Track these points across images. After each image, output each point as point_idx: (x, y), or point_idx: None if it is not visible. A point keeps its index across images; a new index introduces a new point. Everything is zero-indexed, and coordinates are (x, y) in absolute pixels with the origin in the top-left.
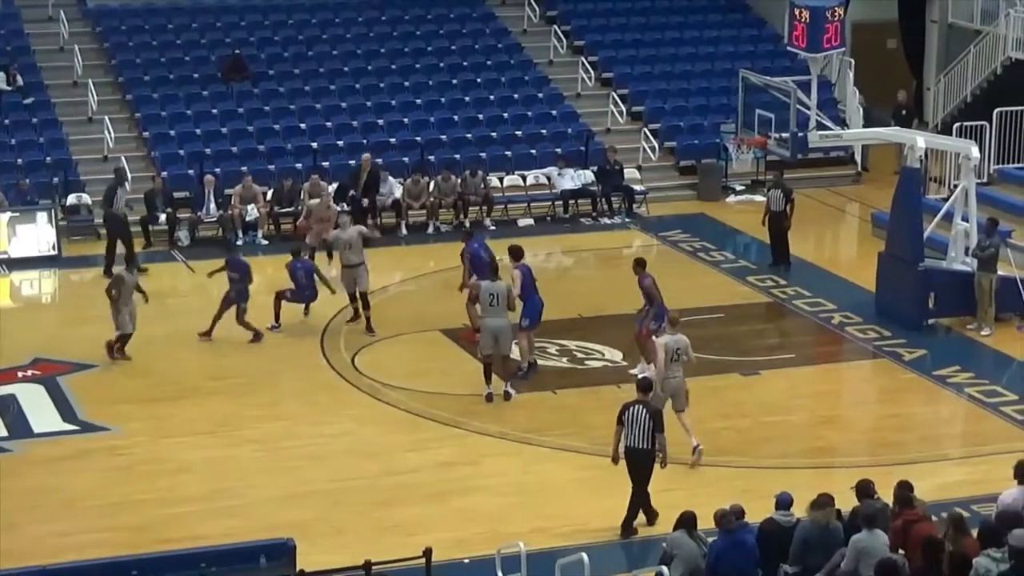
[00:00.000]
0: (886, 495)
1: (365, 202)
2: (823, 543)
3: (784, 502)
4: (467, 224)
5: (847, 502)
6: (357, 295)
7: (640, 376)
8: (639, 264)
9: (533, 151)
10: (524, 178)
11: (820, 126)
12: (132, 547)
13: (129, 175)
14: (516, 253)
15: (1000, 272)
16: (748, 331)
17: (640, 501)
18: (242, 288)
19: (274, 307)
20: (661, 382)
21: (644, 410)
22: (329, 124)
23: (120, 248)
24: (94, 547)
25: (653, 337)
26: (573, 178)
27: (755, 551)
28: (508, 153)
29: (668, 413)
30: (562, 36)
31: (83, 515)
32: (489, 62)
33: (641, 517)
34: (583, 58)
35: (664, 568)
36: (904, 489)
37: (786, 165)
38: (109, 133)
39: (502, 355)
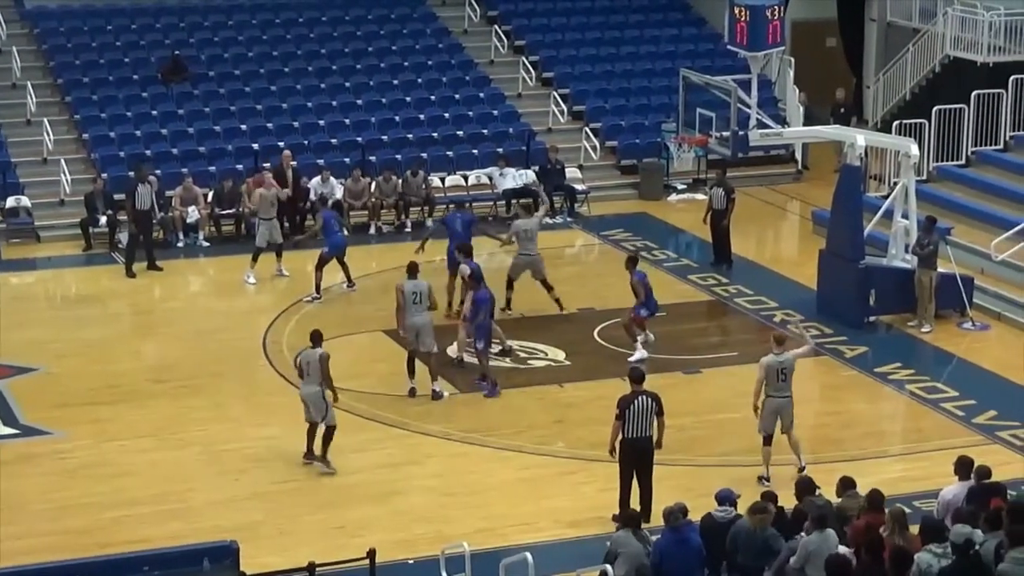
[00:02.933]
0: (828, 492)
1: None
2: (749, 545)
3: (723, 498)
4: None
5: (791, 498)
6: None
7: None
8: (631, 261)
9: (475, 151)
10: (466, 178)
11: (760, 124)
12: (76, 551)
13: (150, 171)
14: (467, 250)
15: (940, 269)
16: (690, 329)
17: (649, 492)
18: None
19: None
20: (761, 402)
21: (647, 399)
22: (270, 125)
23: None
24: (37, 551)
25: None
26: (515, 178)
27: (700, 549)
28: (449, 153)
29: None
30: (503, 36)
31: (26, 519)
32: (430, 62)
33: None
34: (524, 58)
35: (608, 567)
36: (877, 494)
37: (728, 164)
38: (48, 135)
39: (425, 352)
